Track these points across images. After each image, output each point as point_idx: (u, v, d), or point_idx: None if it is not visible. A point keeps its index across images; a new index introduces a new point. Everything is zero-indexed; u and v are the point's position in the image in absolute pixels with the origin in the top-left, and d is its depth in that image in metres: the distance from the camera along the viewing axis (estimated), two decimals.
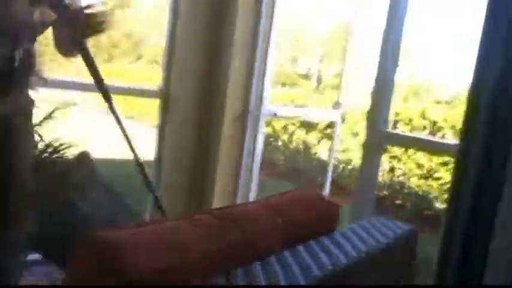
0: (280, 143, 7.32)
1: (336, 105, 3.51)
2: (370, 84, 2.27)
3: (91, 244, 0.85)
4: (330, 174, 3.42)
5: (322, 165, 5.47)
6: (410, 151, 5.28)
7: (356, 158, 5.76)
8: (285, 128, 7.22)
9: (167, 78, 2.89)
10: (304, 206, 1.30)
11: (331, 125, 4.04)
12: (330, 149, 3.86)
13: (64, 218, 2.23)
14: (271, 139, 7.20)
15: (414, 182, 5.45)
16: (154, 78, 3.54)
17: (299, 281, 1.00)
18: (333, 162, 3.66)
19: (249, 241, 1.10)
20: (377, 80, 2.18)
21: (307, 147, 6.92)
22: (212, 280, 0.95)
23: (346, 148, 6.03)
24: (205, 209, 2.64)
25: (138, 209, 3.07)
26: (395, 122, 5.34)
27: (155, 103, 3.05)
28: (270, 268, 1.04)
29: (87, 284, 0.84)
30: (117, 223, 2.33)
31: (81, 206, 2.34)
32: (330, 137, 5.34)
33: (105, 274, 0.81)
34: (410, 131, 5.30)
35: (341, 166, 6.03)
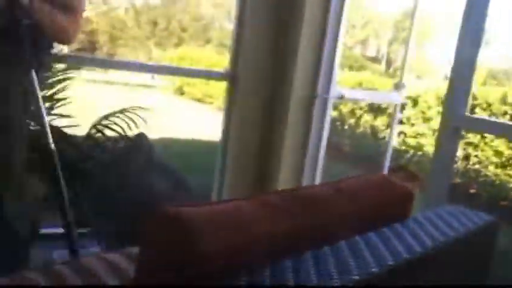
0: (346, 127, 7.18)
1: (397, 86, 3.35)
2: (447, 68, 2.14)
3: (163, 217, 0.87)
4: (389, 157, 3.31)
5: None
6: (488, 138, 4.97)
7: (428, 144, 5.52)
8: (352, 112, 7.06)
9: (234, 61, 2.90)
10: (376, 190, 1.25)
11: (400, 110, 3.88)
12: (390, 130, 3.71)
13: (125, 197, 2.30)
14: (338, 123, 7.08)
15: (491, 170, 5.13)
16: (223, 62, 3.56)
17: (371, 268, 0.96)
18: (392, 144, 3.53)
19: (318, 224, 1.08)
20: (456, 62, 2.05)
21: (374, 131, 6.74)
22: (279, 262, 0.94)
23: (417, 133, 5.80)
24: (274, 190, 2.64)
25: (201, 190, 3.12)
26: (473, 107, 5.03)
27: (223, 86, 3.08)
28: (340, 253, 1.01)
29: (158, 257, 0.85)
30: (178, 202, 2.37)
31: (141, 185, 2.40)
32: (398, 122, 5.15)
33: (176, 247, 0.82)
34: (489, 116, 4.98)
35: (411, 152, 5.82)
